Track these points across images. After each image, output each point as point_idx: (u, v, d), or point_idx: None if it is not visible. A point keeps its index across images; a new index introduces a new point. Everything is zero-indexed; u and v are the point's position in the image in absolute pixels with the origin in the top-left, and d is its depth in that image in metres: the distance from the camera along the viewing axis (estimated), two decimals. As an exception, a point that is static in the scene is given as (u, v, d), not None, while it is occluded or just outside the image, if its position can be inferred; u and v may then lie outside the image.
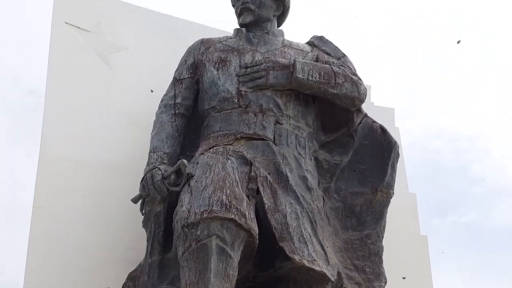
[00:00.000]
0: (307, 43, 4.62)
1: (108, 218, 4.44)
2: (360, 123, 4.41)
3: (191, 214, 3.47)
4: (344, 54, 4.49)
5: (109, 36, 4.96)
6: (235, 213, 3.46)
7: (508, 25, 12.70)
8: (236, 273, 3.47)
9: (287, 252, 3.61)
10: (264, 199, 3.74)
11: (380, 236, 4.23)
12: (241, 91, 4.10)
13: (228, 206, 3.46)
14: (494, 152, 14.39)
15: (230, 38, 4.50)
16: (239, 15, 4.53)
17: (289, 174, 3.89)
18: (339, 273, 3.95)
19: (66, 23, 4.79)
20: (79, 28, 4.85)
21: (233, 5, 4.66)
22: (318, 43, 4.57)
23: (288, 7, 4.72)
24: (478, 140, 14.73)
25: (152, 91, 4.82)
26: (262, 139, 3.98)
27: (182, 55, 4.54)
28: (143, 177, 3.91)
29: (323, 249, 3.82)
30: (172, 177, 3.82)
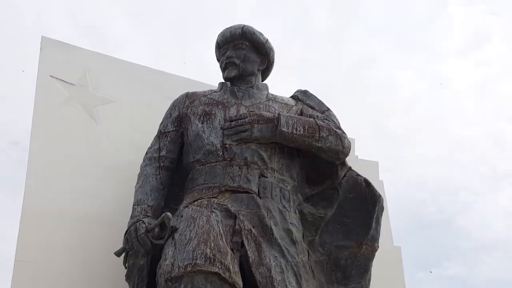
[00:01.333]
0: (291, 97, 4.66)
1: (91, 272, 4.37)
2: (344, 176, 4.40)
3: (174, 267, 3.44)
4: (328, 108, 4.53)
5: (94, 90, 4.97)
6: (219, 266, 3.43)
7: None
8: (220, 328, 3.43)
9: (272, 307, 3.58)
10: (248, 252, 3.70)
11: (365, 290, 4.21)
12: (226, 144, 4.10)
13: (212, 260, 3.43)
14: (478, 205, 14.46)
15: (215, 91, 4.53)
16: (224, 69, 4.58)
17: (273, 227, 3.87)
18: (324, 328, 3.93)
19: (51, 76, 4.81)
20: (64, 81, 4.86)
21: (218, 59, 4.73)
22: (302, 97, 4.61)
23: (273, 62, 4.78)
24: (462, 193, 14.80)
25: None
26: (247, 192, 3.97)
27: (167, 108, 4.57)
28: (127, 230, 3.88)
29: (308, 303, 3.80)
30: (156, 230, 3.80)
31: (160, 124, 4.49)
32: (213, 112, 4.29)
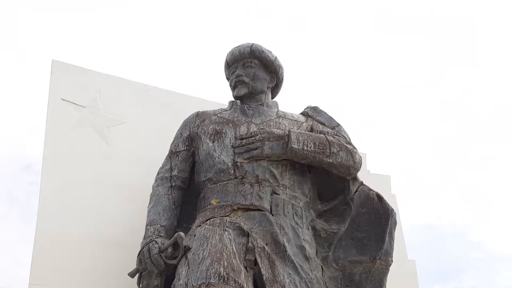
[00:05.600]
0: (301, 113, 4.66)
1: (105, 293, 4.39)
2: (356, 191, 4.40)
3: (188, 287, 3.45)
4: (339, 124, 4.53)
5: (105, 111, 5.01)
6: (233, 285, 3.44)
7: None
8: None
9: (286, 324, 3.57)
10: (262, 270, 3.70)
11: (380, 305, 4.19)
12: (237, 162, 4.11)
13: (226, 278, 3.44)
14: (492, 216, 14.38)
15: (225, 110, 4.55)
16: (233, 87, 4.60)
17: (286, 244, 3.86)
18: None
19: (62, 99, 4.84)
20: (75, 104, 4.90)
21: (228, 78, 4.75)
22: (312, 113, 4.61)
23: (282, 79, 4.79)
24: (475, 204, 14.73)
25: None
26: (259, 210, 3.96)
27: (178, 128, 4.58)
28: (140, 251, 3.88)
29: (323, 320, 3.79)
30: (169, 250, 3.81)
31: (171, 144, 4.51)
32: (223, 131, 4.30)
